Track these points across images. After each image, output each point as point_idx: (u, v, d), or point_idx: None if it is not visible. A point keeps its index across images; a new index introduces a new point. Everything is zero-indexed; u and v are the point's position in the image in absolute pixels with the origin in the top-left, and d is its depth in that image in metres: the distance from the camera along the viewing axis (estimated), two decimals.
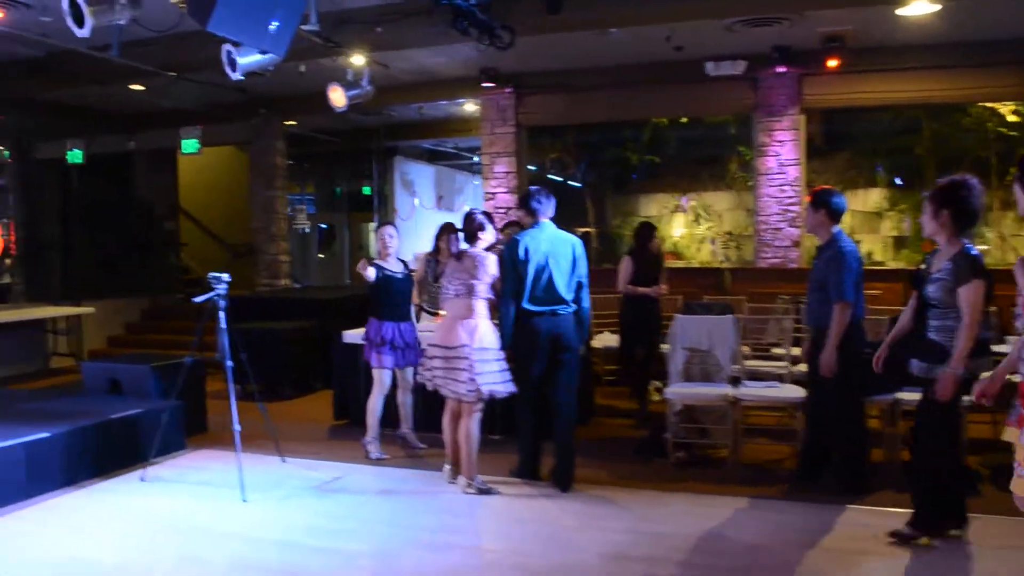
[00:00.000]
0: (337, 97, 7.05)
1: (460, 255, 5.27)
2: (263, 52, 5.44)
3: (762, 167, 9.06)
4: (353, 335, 6.82)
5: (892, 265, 10.39)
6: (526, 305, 5.19)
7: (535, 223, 5.31)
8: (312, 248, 16.23)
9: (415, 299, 7.52)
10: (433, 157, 16.62)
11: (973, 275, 3.86)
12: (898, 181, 11.10)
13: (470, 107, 11.71)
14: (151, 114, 11.48)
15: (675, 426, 5.81)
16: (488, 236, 5.30)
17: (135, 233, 12.22)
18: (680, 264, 11.05)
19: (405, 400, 6.14)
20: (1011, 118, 9.72)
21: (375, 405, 5.90)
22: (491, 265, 5.18)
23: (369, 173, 14.98)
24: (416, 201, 16.19)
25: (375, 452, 5.92)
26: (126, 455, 5.63)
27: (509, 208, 9.91)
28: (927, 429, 4.15)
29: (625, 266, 6.93)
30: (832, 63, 8.17)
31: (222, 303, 5.32)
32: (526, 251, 5.17)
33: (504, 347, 5.09)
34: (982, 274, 3.88)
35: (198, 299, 5.31)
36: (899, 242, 10.91)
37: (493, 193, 10.00)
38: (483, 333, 5.05)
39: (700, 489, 5.15)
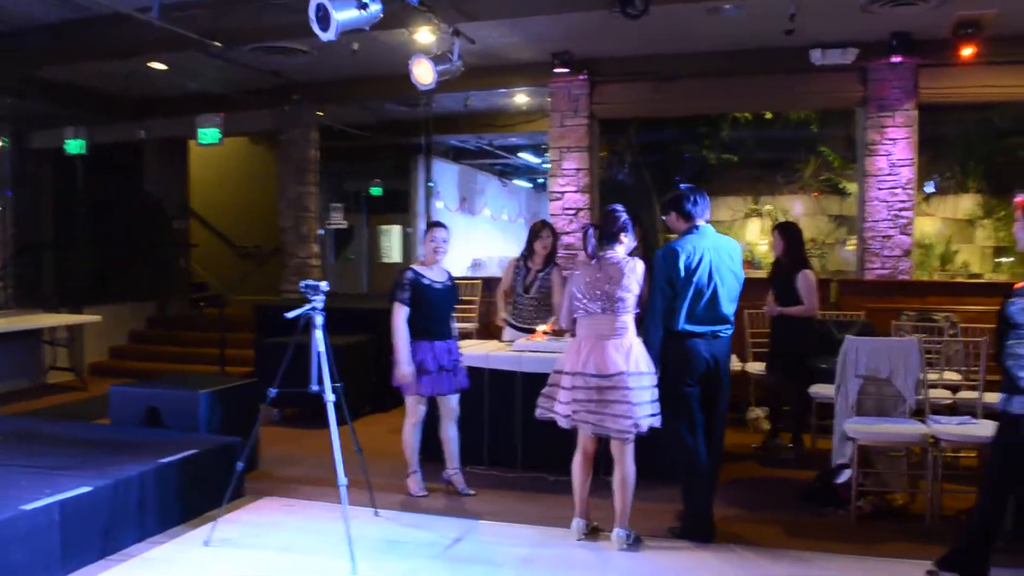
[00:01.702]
0: (423, 72, 5.94)
1: (598, 260, 4.23)
2: (361, 6, 4.35)
3: (871, 168, 8.05)
4: None
5: (988, 278, 9.44)
6: (685, 326, 4.25)
7: (691, 228, 4.37)
8: (328, 252, 15.04)
9: (500, 312, 6.47)
10: (457, 156, 15.51)
11: None
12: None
13: (521, 98, 10.67)
14: (165, 100, 10.29)
15: (854, 469, 4.77)
16: (630, 240, 4.33)
17: (141, 232, 10.96)
18: (761, 275, 10.02)
19: (449, 434, 5.18)
20: None
21: (408, 437, 5.08)
22: (639, 273, 4.19)
23: (396, 171, 13.85)
24: (440, 204, 15.06)
25: (415, 488, 5.09)
26: (181, 510, 4.46)
27: (579, 210, 8.84)
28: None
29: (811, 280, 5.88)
30: (967, 51, 7.20)
31: (318, 318, 4.18)
32: (688, 261, 4.23)
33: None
34: None
35: (291, 314, 4.17)
36: (999, 253, 9.97)
37: (561, 192, 8.91)
38: (638, 356, 4.13)
39: (902, 551, 4.14)
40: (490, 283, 9.27)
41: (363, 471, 4.58)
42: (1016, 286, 3.56)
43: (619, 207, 4.40)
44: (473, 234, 16.22)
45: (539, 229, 6.22)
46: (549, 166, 16.56)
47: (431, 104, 10.48)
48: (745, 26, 7.33)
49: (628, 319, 4.16)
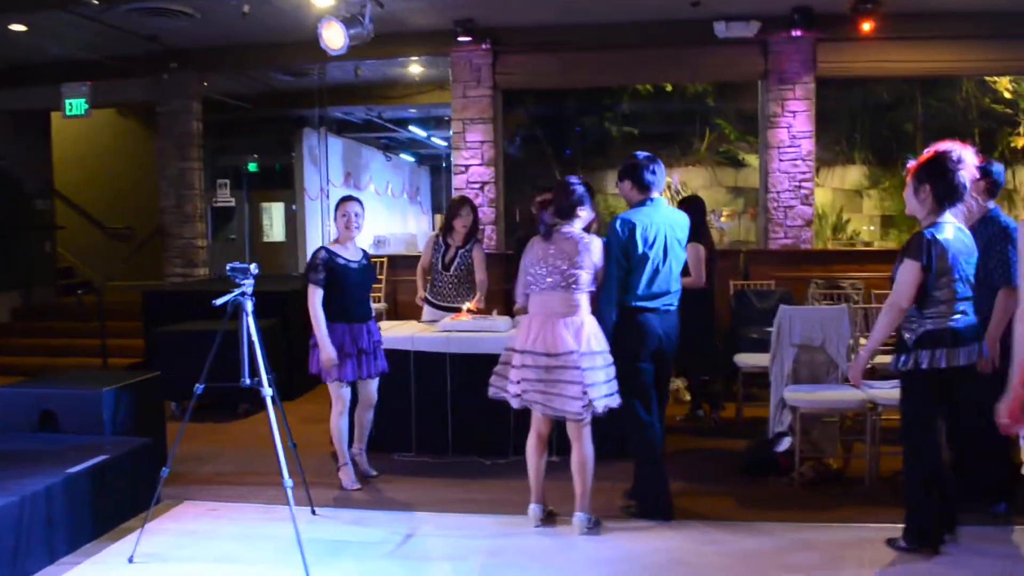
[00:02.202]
0: (333, 36, 5.54)
1: (551, 235, 4.04)
2: None
3: (772, 140, 8.22)
4: None
5: (879, 246, 9.89)
6: (640, 301, 4.12)
7: (646, 199, 4.22)
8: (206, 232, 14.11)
9: (419, 292, 6.20)
10: (341, 129, 14.89)
11: (908, 255, 3.55)
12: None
13: (415, 68, 10.28)
14: (22, 66, 9.26)
15: (795, 437, 4.82)
16: (587, 213, 4.13)
17: (0, 214, 9.88)
18: None
19: (363, 417, 5.02)
20: (1007, 94, 9.43)
21: (336, 427, 4.77)
22: (596, 251, 4.02)
23: (279, 145, 13.13)
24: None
25: (347, 482, 4.81)
26: (93, 525, 3.98)
27: (484, 183, 8.61)
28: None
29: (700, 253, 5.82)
30: (866, 26, 7.40)
31: (248, 305, 3.78)
32: (644, 234, 4.08)
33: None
34: (918, 255, 3.51)
35: (220, 301, 3.74)
36: (887, 221, 10.46)
37: (465, 165, 8.64)
38: (590, 334, 3.95)
39: (852, 515, 4.22)
40: (395, 261, 8.94)
41: (299, 469, 4.23)
42: None
43: (575, 179, 4.19)
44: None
45: (458, 206, 5.96)
46: (438, 140, 16.28)
47: (324, 74, 9.93)
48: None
49: (582, 297, 3.98)
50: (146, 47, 8.55)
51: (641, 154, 4.32)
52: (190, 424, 6.31)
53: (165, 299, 8.05)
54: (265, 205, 14.45)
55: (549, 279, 3.98)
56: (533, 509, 4.14)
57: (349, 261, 4.74)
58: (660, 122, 10.83)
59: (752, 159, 10.40)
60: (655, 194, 4.26)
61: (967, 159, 3.57)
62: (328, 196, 12.81)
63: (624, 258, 4.09)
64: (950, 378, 3.63)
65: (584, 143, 11.11)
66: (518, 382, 3.99)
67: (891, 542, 3.80)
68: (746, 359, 6.00)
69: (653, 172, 4.22)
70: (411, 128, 14.43)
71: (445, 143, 16.68)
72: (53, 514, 3.70)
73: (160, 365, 6.63)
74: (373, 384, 4.95)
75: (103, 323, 7.85)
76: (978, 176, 3.82)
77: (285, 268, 13.42)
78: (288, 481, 3.63)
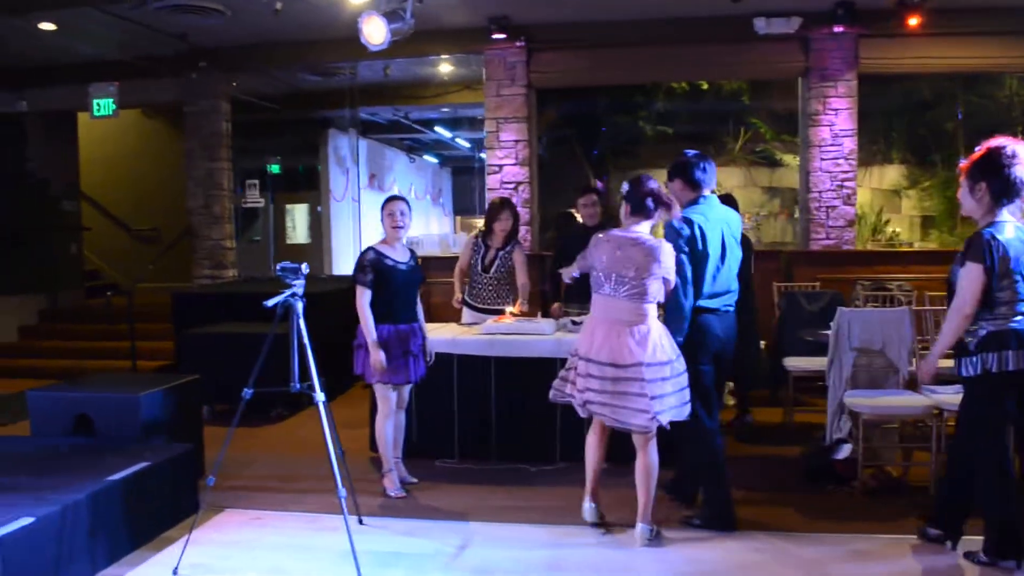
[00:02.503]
0: (374, 31, 5.39)
1: (620, 238, 3.83)
2: None
3: (814, 138, 8.02)
4: None
5: (919, 247, 9.66)
6: (701, 302, 3.99)
7: (698, 198, 4.08)
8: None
9: (456, 294, 6.06)
10: (365, 130, 14.78)
11: (970, 257, 3.41)
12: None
13: (445, 68, 10.15)
14: (49, 67, 9.20)
15: (857, 444, 4.63)
16: (665, 214, 3.88)
17: (25, 216, 9.80)
18: None
19: (398, 423, 4.85)
20: None
21: (382, 431, 4.68)
22: (669, 257, 3.79)
23: (305, 146, 13.03)
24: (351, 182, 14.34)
25: (392, 488, 4.65)
26: (134, 534, 3.85)
27: (518, 183, 8.46)
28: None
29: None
30: (913, 21, 7.19)
31: (299, 306, 3.63)
32: (702, 232, 3.94)
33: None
34: (981, 257, 3.37)
35: (271, 302, 3.59)
36: (927, 222, 10.22)
37: (499, 165, 8.49)
38: (656, 342, 3.74)
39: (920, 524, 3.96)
40: (428, 263, 8.76)
41: (347, 475, 4.07)
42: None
43: (649, 178, 3.95)
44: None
45: (498, 209, 5.82)
46: (462, 141, 16.15)
47: (356, 73, 9.81)
48: None
49: (651, 307, 3.78)
50: (175, 46, 8.46)
51: (690, 152, 4.19)
52: (221, 429, 6.28)
53: (195, 301, 7.93)
54: (288, 207, 14.37)
55: (617, 286, 3.77)
56: (588, 506, 4.04)
57: (397, 262, 4.64)
58: (694, 121, 10.63)
59: (788, 159, 10.19)
60: (707, 192, 4.11)
61: (1021, 154, 3.43)
62: (357, 199, 12.69)
63: (693, 256, 3.93)
64: (1018, 382, 3.48)
65: (615, 143, 10.93)
66: (582, 391, 3.83)
67: (969, 555, 3.61)
68: (796, 363, 5.81)
69: (704, 170, 4.08)
70: (437, 129, 14.30)
71: (469, 144, 16.57)
72: (95, 523, 3.57)
73: (191, 368, 6.51)
74: (407, 388, 4.85)
75: (132, 325, 7.76)
76: None
77: (310, 270, 13.30)
78: (342, 491, 3.48)
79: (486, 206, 8.47)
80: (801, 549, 3.79)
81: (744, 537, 3.91)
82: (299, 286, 3.63)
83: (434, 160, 18.89)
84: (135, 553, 3.77)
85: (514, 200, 8.40)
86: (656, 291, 3.77)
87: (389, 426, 4.68)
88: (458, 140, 15.84)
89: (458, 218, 22.27)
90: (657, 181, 3.93)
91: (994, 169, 3.43)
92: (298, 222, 14.35)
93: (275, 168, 13.69)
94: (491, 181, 8.56)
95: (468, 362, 5.27)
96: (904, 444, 4.94)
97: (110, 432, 4.50)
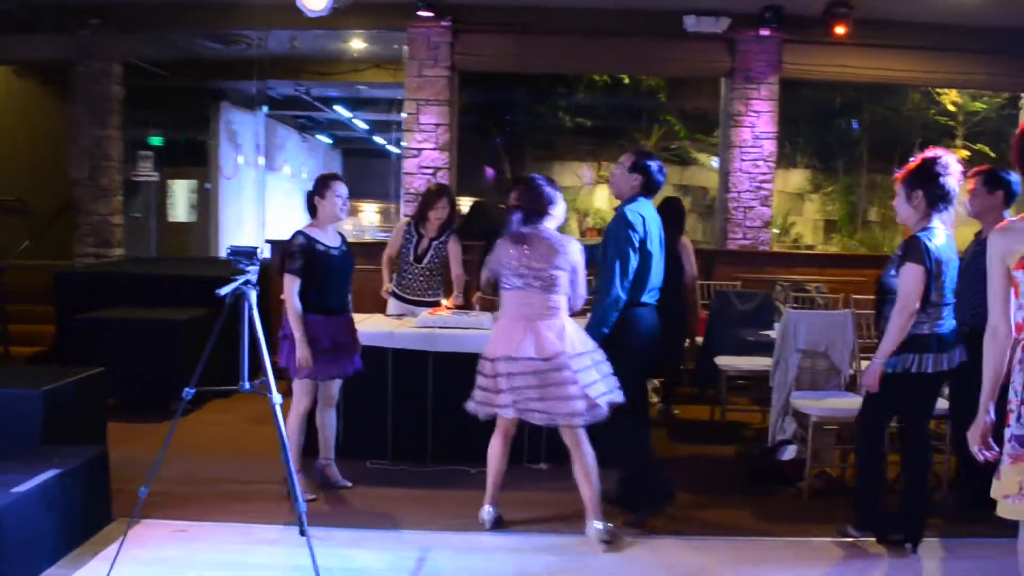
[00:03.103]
0: None
1: (522, 237, 3.82)
2: None
3: (735, 139, 8.11)
4: None
5: (821, 249, 9.98)
6: (640, 296, 4.10)
7: (639, 197, 4.18)
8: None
9: (385, 283, 5.72)
10: (259, 105, 14.00)
11: (911, 259, 3.54)
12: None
13: (357, 43, 9.67)
14: None
15: (804, 445, 4.64)
16: (560, 212, 3.97)
17: None
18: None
19: (326, 421, 4.56)
20: (951, 107, 9.66)
21: (295, 430, 4.28)
22: (575, 251, 3.84)
23: (194, 119, 12.17)
24: (240, 158, 13.56)
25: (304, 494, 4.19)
26: (42, 554, 3.34)
27: (437, 168, 8.13)
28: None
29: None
30: (839, 30, 7.35)
31: (252, 296, 3.23)
32: (647, 227, 4.08)
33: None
34: (921, 259, 3.53)
35: (224, 290, 3.17)
36: (829, 226, 10.56)
37: (418, 149, 8.13)
38: (572, 335, 3.78)
39: None
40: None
41: (293, 483, 3.64)
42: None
43: (540, 178, 4.02)
44: (273, 194, 14.85)
45: (435, 197, 5.51)
46: (360, 122, 15.58)
47: (264, 43, 9.18)
48: None
49: (561, 299, 3.81)
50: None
51: (643, 153, 4.42)
52: (122, 425, 5.70)
53: (81, 282, 7.20)
54: (172, 182, 13.42)
55: (527, 281, 3.78)
56: (488, 512, 3.98)
57: (329, 247, 4.31)
58: (612, 115, 10.59)
59: (702, 157, 10.32)
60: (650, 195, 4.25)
61: (953, 166, 3.62)
62: (258, 175, 11.97)
63: (632, 250, 3.98)
64: (930, 384, 3.70)
65: (533, 133, 10.74)
66: (510, 392, 3.75)
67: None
68: (730, 362, 5.81)
69: (663, 172, 4.27)
70: (337, 108, 13.70)
71: (367, 126, 16.01)
72: (2, 544, 3.05)
73: (78, 356, 5.90)
74: (336, 383, 4.53)
75: (3, 307, 6.98)
76: (962, 182, 3.81)
77: (194, 251, 12.46)
78: (302, 504, 3.13)
79: (404, 191, 8.14)
80: (770, 551, 3.74)
81: (704, 538, 3.86)
82: (253, 272, 3.22)
83: (328, 141, 18.18)
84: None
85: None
86: (565, 283, 3.79)
87: (299, 425, 4.32)
88: (356, 121, 15.25)
89: (354, 202, 21.57)
90: (546, 181, 3.98)
91: (930, 178, 3.59)
92: (182, 199, 13.42)
93: (157, 140, 12.75)
94: (408, 165, 8.19)
95: (404, 357, 4.97)
96: (843, 445, 5.00)
97: (4, 435, 3.91)
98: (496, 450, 3.99)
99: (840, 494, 4.59)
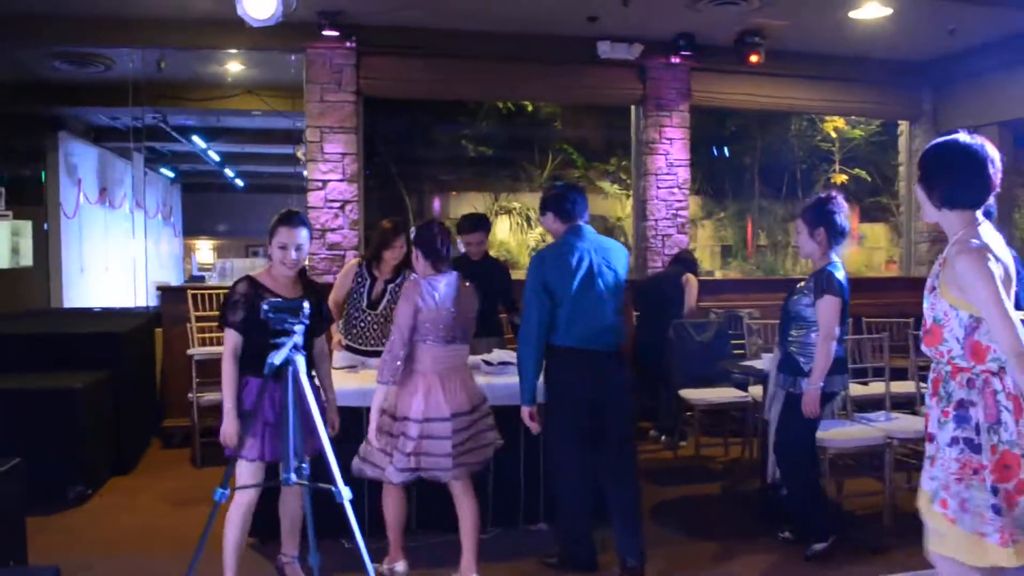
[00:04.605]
0: (259, 4, 4.25)
1: (453, 285, 3.74)
2: None
3: (650, 167, 8.03)
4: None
5: (719, 275, 10.13)
6: (566, 341, 3.82)
7: (569, 228, 3.93)
8: None
9: (335, 336, 5.07)
10: (98, 137, 12.60)
11: (828, 291, 3.92)
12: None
13: (235, 66, 8.81)
14: None
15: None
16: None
17: None
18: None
19: (292, 508, 3.72)
20: (833, 134, 10.12)
21: (234, 522, 3.46)
22: (476, 298, 3.87)
23: (28, 152, 10.66)
24: (82, 196, 12.09)
25: None
26: None
27: (345, 202, 7.46)
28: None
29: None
30: (753, 58, 7.44)
31: (300, 362, 2.58)
32: (565, 264, 3.82)
33: (529, 402, 3.86)
34: (839, 292, 3.93)
35: (278, 358, 2.47)
36: (725, 251, 10.74)
37: (323, 181, 7.42)
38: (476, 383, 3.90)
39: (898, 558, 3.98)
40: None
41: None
42: (799, 285, 4.14)
43: (435, 224, 3.89)
44: (113, 232, 13.40)
45: (391, 236, 4.89)
46: (214, 154, 14.42)
47: (133, 62, 8.12)
48: (544, 7, 6.78)
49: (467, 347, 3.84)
50: None
51: (560, 184, 4.30)
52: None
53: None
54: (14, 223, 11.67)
55: (462, 332, 3.71)
56: (402, 568, 3.85)
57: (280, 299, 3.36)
58: (510, 145, 10.27)
59: (606, 186, 10.23)
60: (580, 222, 3.96)
61: (843, 203, 4.03)
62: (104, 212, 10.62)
63: (545, 293, 3.77)
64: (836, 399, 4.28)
65: (435, 163, 10.21)
66: (448, 453, 3.57)
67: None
68: (698, 395, 5.62)
69: (574, 201, 3.95)
70: (194, 139, 12.54)
71: (219, 158, 14.85)
72: None
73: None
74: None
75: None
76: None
77: (33, 302, 10.87)
78: None
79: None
80: None
81: None
82: (300, 332, 2.55)
83: (170, 174, 16.70)
84: None
85: (340, 221, 7.46)
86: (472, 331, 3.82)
87: (247, 518, 3.49)
88: (211, 152, 14.08)
89: (189, 240, 20.06)
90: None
91: (830, 215, 3.97)
92: (19, 242, 11.71)
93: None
94: (313, 198, 7.46)
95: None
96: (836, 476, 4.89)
97: None
98: (398, 500, 3.80)
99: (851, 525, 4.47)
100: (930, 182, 2.52)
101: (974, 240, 2.39)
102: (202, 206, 19.63)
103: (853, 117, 9.87)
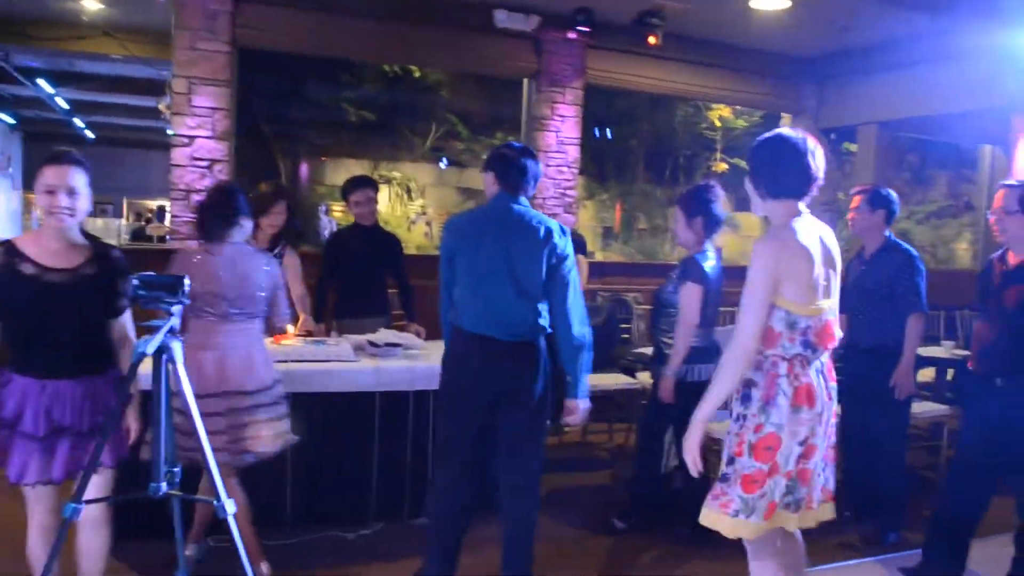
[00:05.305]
0: None
1: (217, 250, 3.41)
2: None
3: (541, 143, 7.81)
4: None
5: (601, 257, 10.07)
6: (460, 322, 3.29)
7: (498, 194, 3.28)
8: None
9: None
10: None
11: (691, 279, 3.98)
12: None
13: (92, 3, 7.91)
14: None
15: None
16: (249, 224, 3.60)
17: None
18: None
19: (83, 546, 2.84)
20: (717, 123, 10.21)
21: (34, 550, 2.75)
22: (275, 270, 3.55)
23: None
24: None
25: None
26: None
27: (214, 161, 6.84)
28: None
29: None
30: (652, 40, 7.33)
31: (177, 350, 2.16)
32: (463, 236, 3.25)
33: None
34: (701, 280, 3.97)
35: (150, 347, 2.04)
36: (607, 233, 10.66)
37: (189, 137, 6.75)
38: (263, 365, 3.47)
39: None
40: None
41: None
42: (671, 273, 4.20)
43: (231, 183, 3.77)
44: None
45: (269, 201, 4.41)
46: (62, 101, 13.14)
47: None
48: None
49: (258, 324, 3.46)
50: None
51: (518, 145, 3.41)
52: None
53: None
54: None
55: (241, 306, 3.34)
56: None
57: (48, 268, 2.60)
58: (395, 111, 9.75)
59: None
60: (520, 195, 3.28)
61: (720, 193, 4.08)
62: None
63: (449, 264, 3.27)
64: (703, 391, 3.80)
65: (311, 125, 9.54)
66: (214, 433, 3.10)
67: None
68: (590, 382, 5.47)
69: (522, 171, 3.27)
70: (40, 82, 11.31)
71: (68, 106, 13.55)
72: None
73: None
74: (97, 483, 2.65)
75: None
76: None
77: None
78: None
79: (172, 187, 6.86)
80: None
81: None
82: (177, 314, 2.13)
83: (10, 121, 15.13)
84: None
85: (207, 182, 6.83)
86: (263, 306, 3.44)
87: (44, 546, 2.71)
88: (58, 99, 12.80)
89: (30, 195, 18.33)
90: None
91: (706, 204, 4.01)
92: None
93: None
94: (177, 155, 6.78)
95: None
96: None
97: None
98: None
99: None
100: (756, 174, 2.63)
101: (783, 231, 2.51)
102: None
103: (738, 107, 10.01)
